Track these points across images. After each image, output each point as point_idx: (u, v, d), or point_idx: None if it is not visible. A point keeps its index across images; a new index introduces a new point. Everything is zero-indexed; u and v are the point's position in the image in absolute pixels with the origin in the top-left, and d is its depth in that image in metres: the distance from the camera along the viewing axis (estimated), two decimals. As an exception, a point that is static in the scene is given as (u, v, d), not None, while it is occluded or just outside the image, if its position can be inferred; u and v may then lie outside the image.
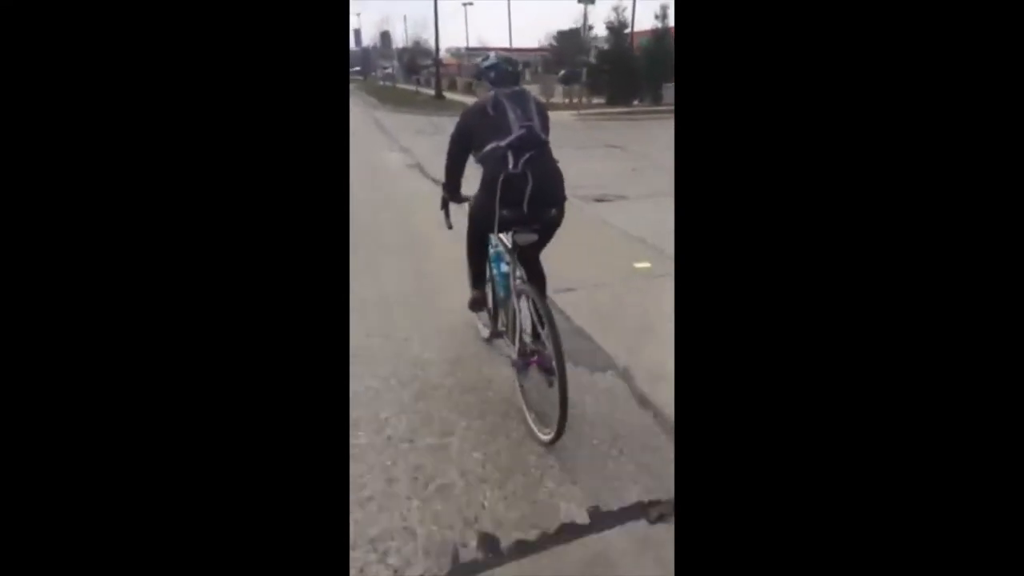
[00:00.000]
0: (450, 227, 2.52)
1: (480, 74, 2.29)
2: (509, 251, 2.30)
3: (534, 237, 2.14)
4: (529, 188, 1.95)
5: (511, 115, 1.98)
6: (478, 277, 2.50)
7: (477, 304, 2.52)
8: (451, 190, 2.40)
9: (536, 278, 2.38)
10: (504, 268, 2.43)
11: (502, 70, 2.20)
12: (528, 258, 2.35)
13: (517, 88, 2.13)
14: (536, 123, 2.01)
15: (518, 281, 2.26)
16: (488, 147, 1.99)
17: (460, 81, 27.81)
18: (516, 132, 1.96)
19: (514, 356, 2.22)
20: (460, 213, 2.43)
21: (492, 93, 2.05)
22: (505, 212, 2.00)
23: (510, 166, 1.94)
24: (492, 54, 2.28)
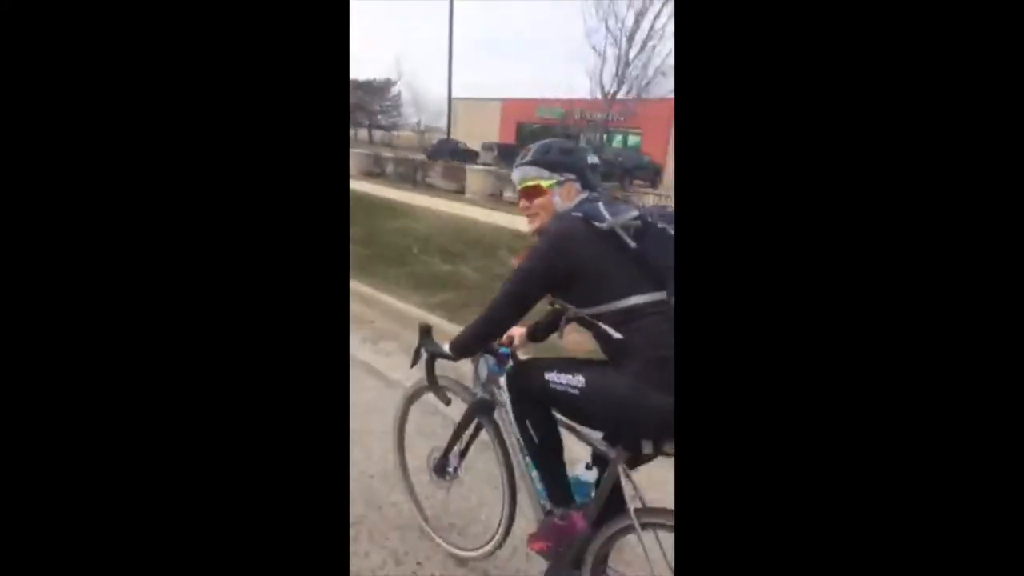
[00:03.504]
0: (446, 402, 1.59)
1: (585, 172, 1.39)
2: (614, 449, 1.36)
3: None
4: None
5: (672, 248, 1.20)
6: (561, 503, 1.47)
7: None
8: (483, 339, 1.44)
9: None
10: (586, 476, 1.44)
11: (594, 167, 1.41)
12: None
13: (667, 208, 1.33)
14: None
15: (642, 510, 1.30)
16: (626, 301, 1.24)
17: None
18: None
19: None
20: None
21: (635, 214, 1.25)
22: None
23: None
24: (582, 142, 1.24)
